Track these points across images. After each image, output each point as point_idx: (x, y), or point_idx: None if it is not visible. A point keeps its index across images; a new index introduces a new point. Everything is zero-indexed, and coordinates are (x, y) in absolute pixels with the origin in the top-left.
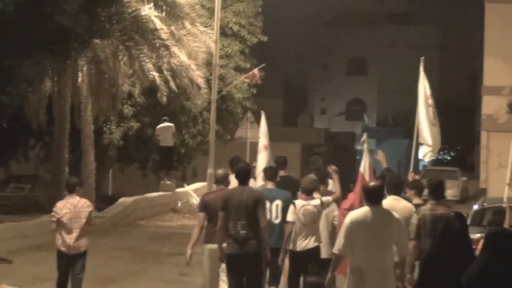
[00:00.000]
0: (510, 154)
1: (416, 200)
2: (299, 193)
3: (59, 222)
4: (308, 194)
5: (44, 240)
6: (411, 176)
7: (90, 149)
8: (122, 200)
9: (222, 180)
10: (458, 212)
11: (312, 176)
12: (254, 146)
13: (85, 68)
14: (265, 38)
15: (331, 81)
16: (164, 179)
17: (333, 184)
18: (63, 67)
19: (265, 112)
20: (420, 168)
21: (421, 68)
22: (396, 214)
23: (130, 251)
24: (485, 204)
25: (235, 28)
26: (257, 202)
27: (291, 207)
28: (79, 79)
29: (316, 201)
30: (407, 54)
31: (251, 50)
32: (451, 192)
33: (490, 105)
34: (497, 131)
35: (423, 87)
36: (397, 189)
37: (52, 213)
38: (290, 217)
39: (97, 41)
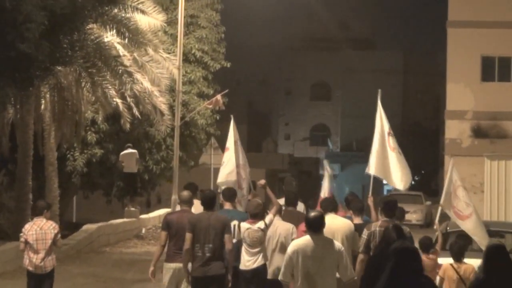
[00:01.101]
0: (447, 175)
1: (356, 220)
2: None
3: (26, 243)
4: (253, 218)
5: (8, 267)
6: (370, 200)
7: (53, 176)
8: (86, 227)
9: (187, 202)
10: (395, 224)
11: (257, 200)
12: (218, 171)
13: (48, 95)
14: (228, 64)
15: (295, 106)
16: (128, 206)
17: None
18: (25, 94)
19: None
20: (385, 192)
21: (379, 101)
22: (336, 242)
23: (95, 278)
24: (448, 228)
25: (198, 54)
26: (224, 227)
27: (236, 229)
28: (42, 106)
29: (260, 224)
30: (371, 79)
31: (214, 76)
32: (415, 216)
33: (453, 130)
34: (461, 155)
35: (380, 121)
36: (334, 207)
37: (20, 234)
38: (234, 237)
39: (59, 68)
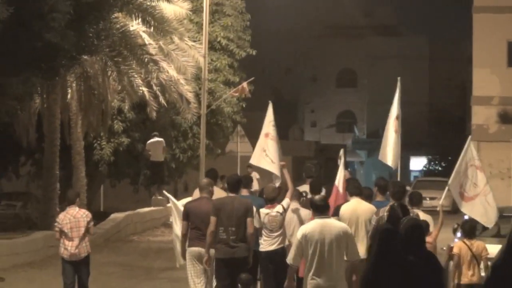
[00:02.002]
0: (461, 154)
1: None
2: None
3: (61, 232)
4: (271, 202)
5: (36, 257)
6: None
7: (81, 165)
8: (113, 215)
9: (206, 188)
10: (401, 202)
11: (272, 185)
12: (245, 159)
13: (74, 85)
14: (253, 52)
15: (321, 93)
16: (156, 194)
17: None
18: (52, 84)
19: (255, 125)
20: (412, 179)
21: (398, 89)
22: (343, 224)
23: (122, 267)
24: None
25: (224, 42)
26: (247, 211)
27: (256, 215)
28: (69, 96)
29: (279, 208)
30: (396, 65)
31: (240, 64)
32: (443, 202)
33: (480, 115)
34: (488, 141)
35: (396, 107)
36: (360, 192)
37: (55, 224)
38: (256, 224)
39: (85, 57)
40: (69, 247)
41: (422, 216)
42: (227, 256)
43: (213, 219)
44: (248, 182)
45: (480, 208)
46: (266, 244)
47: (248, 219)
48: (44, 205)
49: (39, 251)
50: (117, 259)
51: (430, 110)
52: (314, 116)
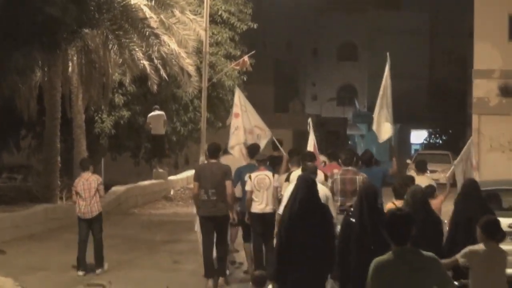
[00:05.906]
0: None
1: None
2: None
3: (76, 194)
4: (259, 163)
5: (37, 230)
6: (394, 158)
7: (81, 138)
8: (114, 188)
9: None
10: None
11: (262, 153)
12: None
13: (75, 58)
14: (255, 25)
15: (322, 67)
16: (157, 167)
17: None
18: (53, 57)
19: (256, 99)
20: (412, 152)
21: (387, 65)
22: (325, 187)
23: (124, 240)
24: None
25: (225, 15)
26: (225, 174)
27: (248, 180)
28: (70, 69)
29: (268, 173)
30: (398, 39)
31: (241, 37)
32: (443, 175)
33: (481, 89)
34: (489, 114)
35: (387, 83)
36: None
37: (72, 188)
38: (247, 187)
39: (86, 31)
40: (83, 207)
41: (427, 180)
42: (209, 215)
43: (194, 183)
44: (254, 151)
45: None
46: (256, 204)
47: (226, 182)
48: (45, 178)
49: (40, 224)
50: (118, 232)
51: (431, 84)
52: (315, 90)
